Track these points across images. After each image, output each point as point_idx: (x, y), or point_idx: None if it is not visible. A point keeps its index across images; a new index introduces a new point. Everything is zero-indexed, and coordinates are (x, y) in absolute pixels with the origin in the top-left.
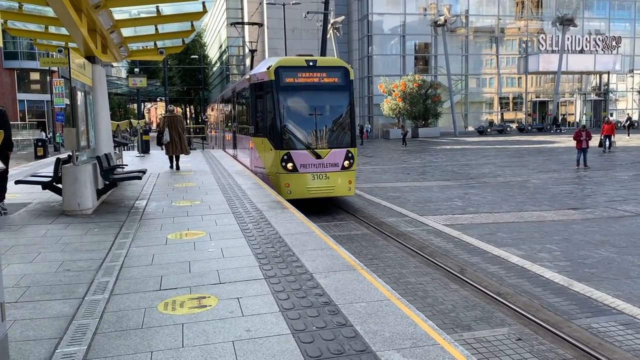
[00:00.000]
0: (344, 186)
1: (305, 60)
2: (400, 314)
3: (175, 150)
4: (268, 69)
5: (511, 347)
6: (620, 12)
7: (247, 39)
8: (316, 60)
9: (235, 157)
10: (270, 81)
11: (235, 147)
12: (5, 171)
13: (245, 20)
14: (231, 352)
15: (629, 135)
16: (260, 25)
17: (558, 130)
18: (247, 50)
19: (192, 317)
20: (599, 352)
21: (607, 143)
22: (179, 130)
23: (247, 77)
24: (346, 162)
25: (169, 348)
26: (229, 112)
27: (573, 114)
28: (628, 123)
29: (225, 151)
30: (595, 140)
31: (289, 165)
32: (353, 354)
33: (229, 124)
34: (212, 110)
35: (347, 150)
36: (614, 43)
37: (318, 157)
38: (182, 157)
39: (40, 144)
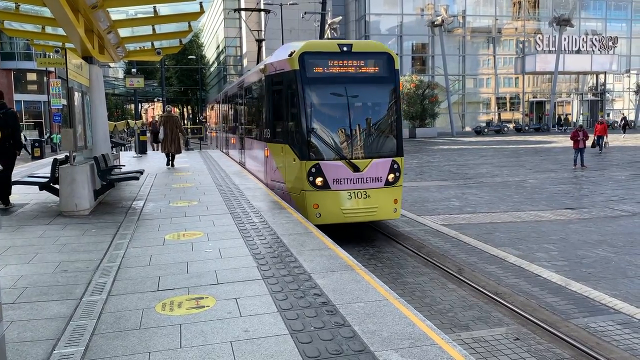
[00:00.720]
0: (388, 207)
1: (338, 45)
2: (398, 314)
3: (168, 147)
4: (290, 55)
5: (509, 347)
6: (617, 12)
7: (244, 37)
8: (351, 45)
9: (242, 165)
10: (293, 71)
11: (243, 153)
12: (3, 171)
13: (243, 22)
14: (229, 353)
15: (623, 135)
16: (268, 12)
17: (561, 129)
18: (244, 50)
19: (190, 317)
20: (597, 351)
21: (601, 143)
22: (173, 128)
23: (261, 67)
24: (391, 176)
25: (167, 349)
26: (235, 111)
27: (570, 114)
28: (623, 123)
29: (229, 157)
30: (589, 141)
31: (318, 180)
32: (351, 354)
33: (235, 125)
34: (212, 109)
35: (392, 161)
36: (610, 43)
37: (356, 169)
38: (179, 157)
39: (37, 144)
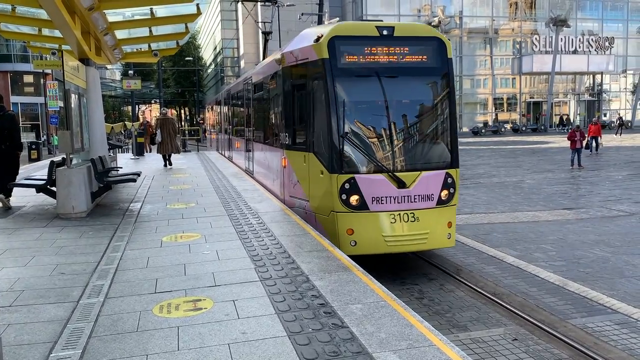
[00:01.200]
0: (440, 232)
1: (377, 28)
2: (396, 315)
3: (165, 149)
4: (317, 40)
5: (507, 348)
6: (613, 13)
7: (241, 39)
8: (393, 28)
9: (250, 173)
10: (321, 60)
11: (250, 160)
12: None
13: (240, 22)
14: (227, 355)
15: (619, 135)
16: (275, 2)
17: (564, 130)
18: (242, 52)
19: (188, 320)
20: (595, 351)
21: (594, 144)
22: (170, 131)
23: (277, 57)
24: (444, 193)
25: (165, 351)
26: (241, 111)
27: (567, 115)
28: (618, 123)
29: (233, 162)
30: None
31: (354, 198)
32: (349, 356)
33: (241, 127)
34: (211, 109)
35: (446, 174)
36: (606, 44)
37: (401, 185)
38: (177, 158)
39: (34, 146)
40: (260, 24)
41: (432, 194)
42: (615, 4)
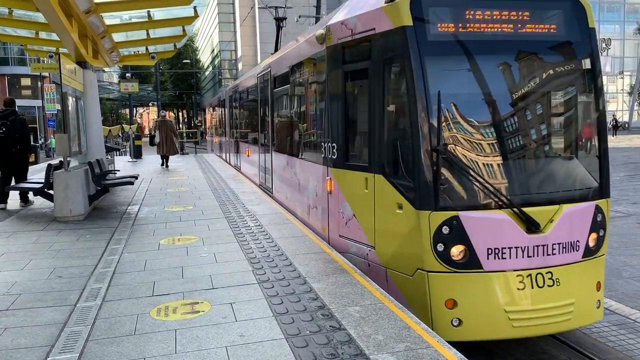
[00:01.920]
0: (588, 299)
1: None
2: (393, 317)
3: (163, 150)
4: (390, 0)
5: (505, 349)
6: (610, 14)
7: (239, 41)
8: None
9: (268, 191)
10: (401, 30)
11: (268, 175)
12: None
13: (238, 24)
14: (224, 358)
15: (614, 136)
16: None
17: None
18: (239, 54)
19: (185, 322)
20: (592, 352)
21: None
22: (167, 133)
23: (319, 31)
24: (592, 237)
25: (162, 354)
26: (253, 111)
27: None
28: (613, 124)
29: (242, 172)
30: None
31: (457, 250)
32: (347, 358)
33: (253, 131)
34: (213, 110)
35: (596, 208)
36: (603, 45)
37: (533, 227)
38: (175, 161)
39: (31, 149)
40: (272, 10)
41: (578, 241)
42: (611, 5)
